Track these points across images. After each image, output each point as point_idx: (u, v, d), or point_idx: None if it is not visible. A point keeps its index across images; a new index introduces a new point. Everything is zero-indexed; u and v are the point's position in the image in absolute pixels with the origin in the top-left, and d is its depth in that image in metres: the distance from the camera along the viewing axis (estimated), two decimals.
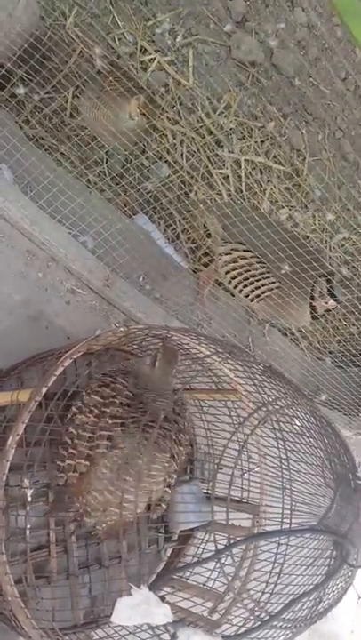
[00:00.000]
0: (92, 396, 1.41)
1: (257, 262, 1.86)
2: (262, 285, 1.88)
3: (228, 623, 1.55)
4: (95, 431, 1.37)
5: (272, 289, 1.87)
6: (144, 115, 1.76)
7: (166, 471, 1.41)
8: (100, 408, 1.38)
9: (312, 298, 1.86)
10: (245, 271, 1.89)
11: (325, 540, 1.45)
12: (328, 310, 1.91)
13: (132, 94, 1.73)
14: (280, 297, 1.87)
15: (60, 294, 1.86)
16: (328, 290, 1.83)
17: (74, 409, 1.43)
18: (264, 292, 1.89)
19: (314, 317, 1.92)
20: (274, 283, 1.86)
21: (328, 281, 1.82)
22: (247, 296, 1.92)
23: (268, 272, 1.86)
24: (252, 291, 1.90)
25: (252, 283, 1.90)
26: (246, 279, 1.90)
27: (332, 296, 1.82)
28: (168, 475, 1.42)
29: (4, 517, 1.45)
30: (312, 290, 1.85)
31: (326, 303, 1.84)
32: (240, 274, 1.90)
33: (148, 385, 1.44)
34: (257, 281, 1.88)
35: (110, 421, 1.35)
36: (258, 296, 1.90)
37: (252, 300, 1.92)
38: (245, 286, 1.91)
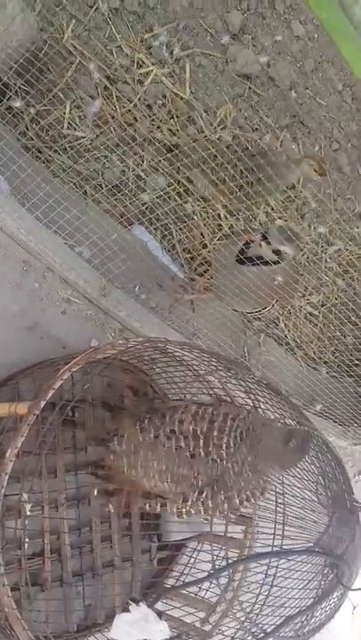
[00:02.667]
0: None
1: None
2: None
3: (219, 634, 1.55)
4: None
5: None
6: (321, 174, 1.92)
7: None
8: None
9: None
10: None
11: (321, 560, 1.46)
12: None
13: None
14: None
15: (55, 304, 1.88)
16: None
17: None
18: None
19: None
20: None
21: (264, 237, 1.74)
22: None
23: None
24: None
25: None
26: None
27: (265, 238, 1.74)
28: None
29: (0, 527, 1.47)
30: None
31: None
32: None
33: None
34: None
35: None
36: None
37: None
38: None
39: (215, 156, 1.83)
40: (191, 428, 1.37)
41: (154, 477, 1.42)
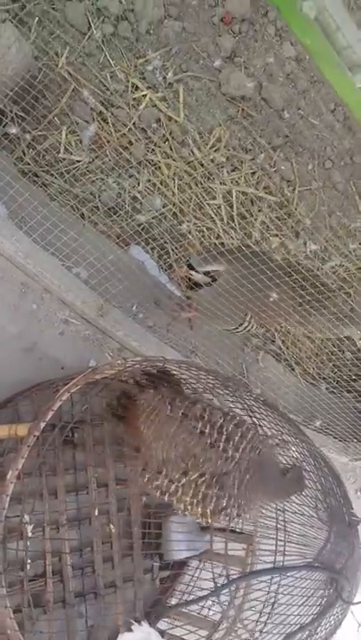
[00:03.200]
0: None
1: None
2: None
3: None
4: None
5: None
6: None
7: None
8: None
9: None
10: None
11: (321, 575, 1.46)
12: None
13: None
14: None
15: (54, 325, 1.89)
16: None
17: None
18: None
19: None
20: None
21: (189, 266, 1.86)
22: None
23: None
24: None
25: None
26: None
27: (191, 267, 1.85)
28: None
29: (2, 549, 1.47)
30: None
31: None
32: None
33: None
34: None
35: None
36: None
37: None
38: None
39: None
40: (220, 422, 1.40)
41: (161, 444, 1.42)
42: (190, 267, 1.84)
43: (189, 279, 1.89)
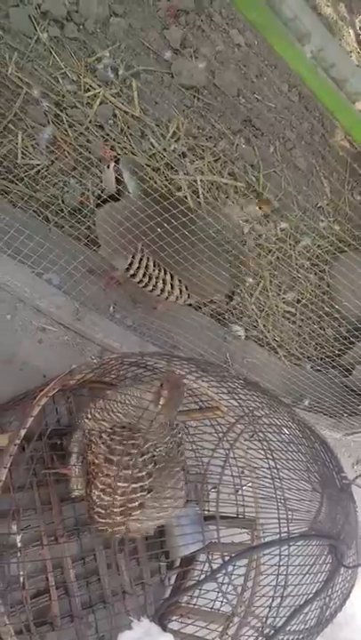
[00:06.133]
0: (125, 470, 1.44)
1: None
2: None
3: None
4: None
5: None
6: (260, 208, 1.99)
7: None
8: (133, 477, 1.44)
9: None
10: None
11: (321, 545, 1.43)
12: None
13: None
14: None
15: (31, 334, 1.85)
16: None
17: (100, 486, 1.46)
18: None
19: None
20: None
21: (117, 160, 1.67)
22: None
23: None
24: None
25: None
26: None
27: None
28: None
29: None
30: None
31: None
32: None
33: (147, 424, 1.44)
34: None
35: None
36: None
37: None
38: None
39: None
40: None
41: None
42: (117, 161, 1.67)
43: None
